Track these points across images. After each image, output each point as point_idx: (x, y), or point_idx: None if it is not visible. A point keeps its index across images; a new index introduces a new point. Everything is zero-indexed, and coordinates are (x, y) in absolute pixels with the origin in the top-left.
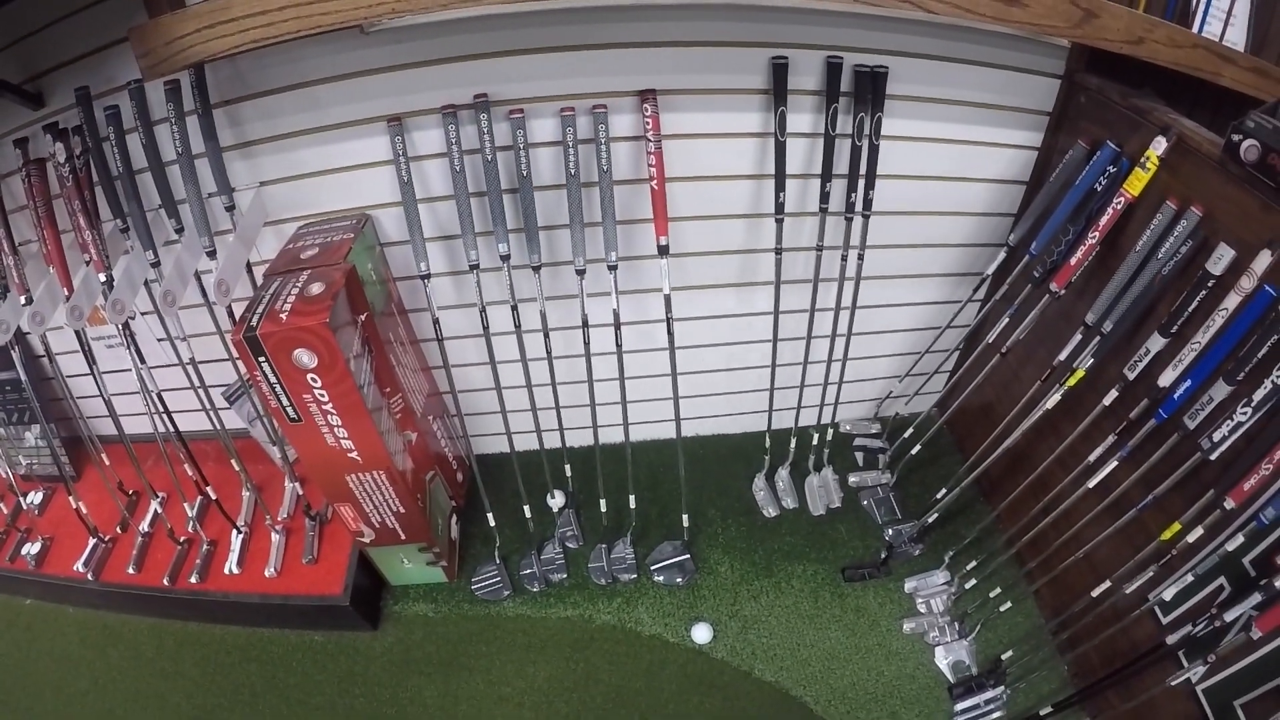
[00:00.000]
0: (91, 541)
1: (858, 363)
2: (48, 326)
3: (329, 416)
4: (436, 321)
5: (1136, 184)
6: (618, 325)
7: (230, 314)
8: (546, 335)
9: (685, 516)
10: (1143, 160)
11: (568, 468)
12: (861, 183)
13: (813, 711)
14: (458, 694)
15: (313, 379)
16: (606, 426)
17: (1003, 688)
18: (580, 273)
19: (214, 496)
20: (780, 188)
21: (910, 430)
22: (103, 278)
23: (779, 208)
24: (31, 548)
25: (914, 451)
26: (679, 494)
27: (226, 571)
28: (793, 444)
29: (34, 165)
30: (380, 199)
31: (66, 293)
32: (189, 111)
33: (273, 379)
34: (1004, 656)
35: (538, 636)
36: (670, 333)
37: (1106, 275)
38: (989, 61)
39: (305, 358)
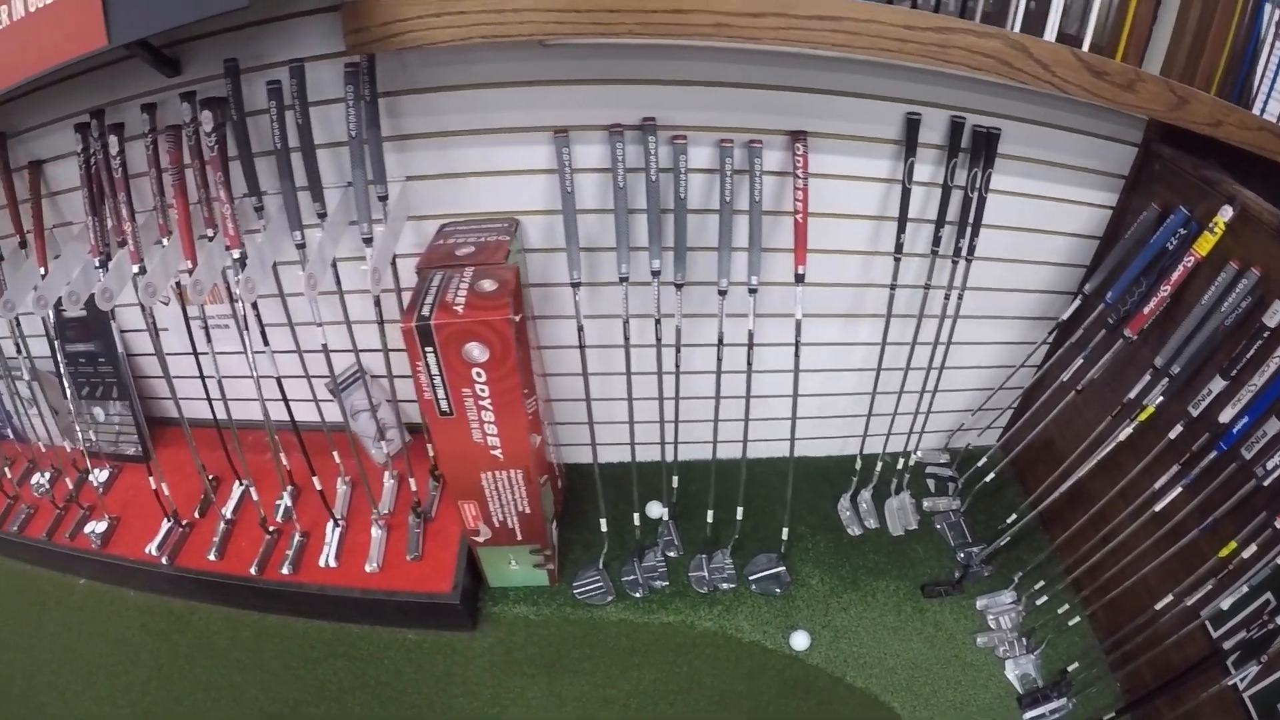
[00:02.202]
0: (166, 524)
1: (939, 395)
2: (159, 299)
3: (483, 412)
4: (581, 329)
5: (1204, 245)
6: (751, 345)
7: (396, 302)
8: (678, 350)
9: (785, 531)
10: (1210, 225)
11: (674, 479)
12: (969, 230)
13: (900, 717)
14: (563, 695)
15: (478, 373)
16: (724, 443)
17: (1065, 699)
18: (722, 293)
19: (319, 487)
20: (901, 229)
21: (984, 460)
22: (236, 254)
23: (898, 248)
24: (97, 526)
25: (987, 480)
26: (771, 509)
27: (322, 564)
28: (878, 468)
29: (168, 132)
30: (529, 205)
31: (191, 265)
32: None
33: (435, 371)
34: (1070, 669)
35: (641, 641)
36: (797, 356)
37: (1174, 324)
38: (1079, 128)
39: (477, 351)
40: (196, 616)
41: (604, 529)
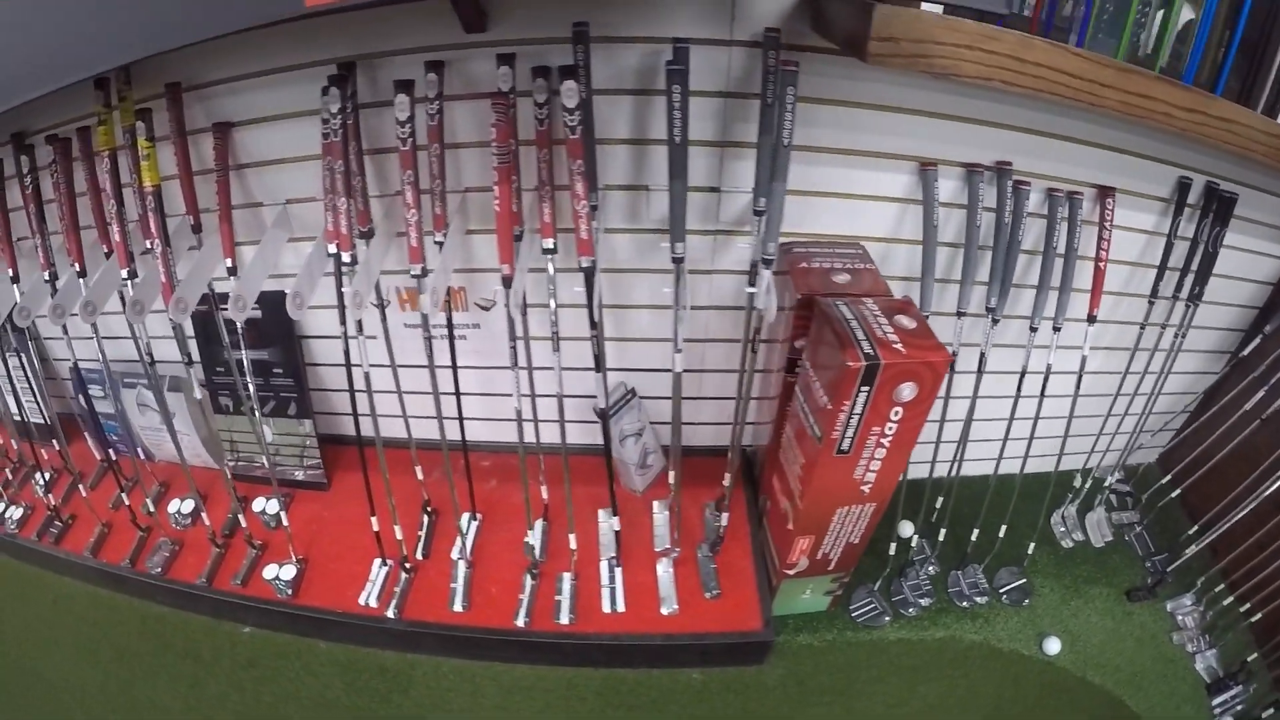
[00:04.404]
0: (381, 570)
1: (1130, 418)
2: (439, 307)
3: (879, 450)
4: None
5: None
6: (1047, 375)
7: None
8: (980, 377)
9: (1032, 545)
10: None
11: (939, 499)
12: (1203, 278)
13: (1130, 708)
14: (862, 718)
15: (896, 412)
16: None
17: (1241, 686)
18: (1034, 329)
19: (616, 527)
20: (1160, 276)
21: (1167, 478)
22: (585, 261)
23: (1154, 292)
24: (282, 572)
25: (1173, 495)
26: (995, 524)
27: (607, 610)
28: (1088, 484)
29: (493, 100)
30: (870, 232)
31: (508, 271)
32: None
33: (858, 410)
34: (1249, 659)
35: (920, 658)
36: (1078, 387)
37: None
38: (1272, 190)
39: (907, 391)
40: (418, 671)
41: (892, 552)
